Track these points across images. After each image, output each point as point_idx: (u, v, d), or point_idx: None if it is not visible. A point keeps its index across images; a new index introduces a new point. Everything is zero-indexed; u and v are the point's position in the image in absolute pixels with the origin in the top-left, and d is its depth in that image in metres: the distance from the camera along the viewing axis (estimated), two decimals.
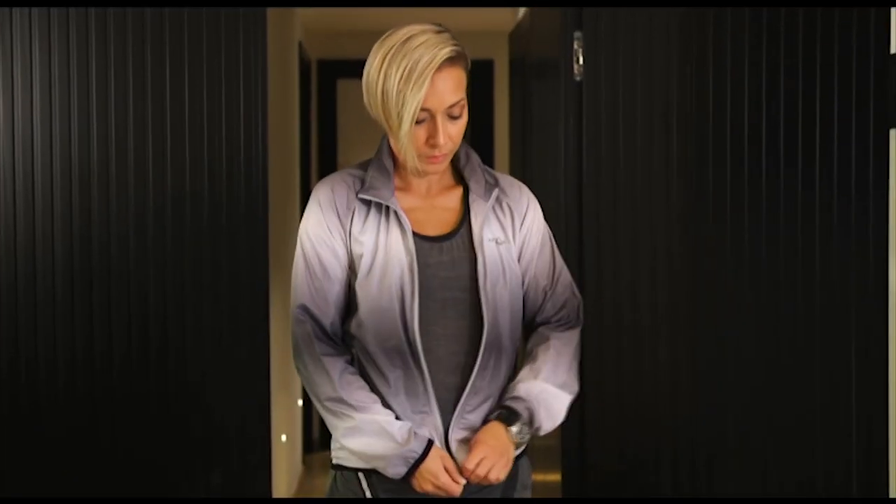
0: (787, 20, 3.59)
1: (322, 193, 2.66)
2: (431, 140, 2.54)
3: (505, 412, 2.57)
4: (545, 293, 2.73)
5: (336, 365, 2.58)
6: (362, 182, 2.66)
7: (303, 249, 2.66)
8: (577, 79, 3.90)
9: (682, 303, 3.81)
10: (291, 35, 6.40)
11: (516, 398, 2.58)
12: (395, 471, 2.49)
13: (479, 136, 7.75)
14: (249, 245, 3.81)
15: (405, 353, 2.56)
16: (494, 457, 2.49)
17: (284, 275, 5.84)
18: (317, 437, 7.78)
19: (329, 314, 2.63)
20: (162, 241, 3.77)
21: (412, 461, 2.48)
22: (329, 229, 2.64)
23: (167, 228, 3.77)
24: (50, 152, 3.74)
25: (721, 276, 3.72)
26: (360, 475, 2.61)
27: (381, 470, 2.52)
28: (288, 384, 6.09)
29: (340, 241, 2.63)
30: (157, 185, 3.77)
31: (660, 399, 3.85)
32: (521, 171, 5.80)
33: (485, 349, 2.57)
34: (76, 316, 3.75)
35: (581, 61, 3.89)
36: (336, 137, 7.93)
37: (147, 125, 3.77)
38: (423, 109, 2.51)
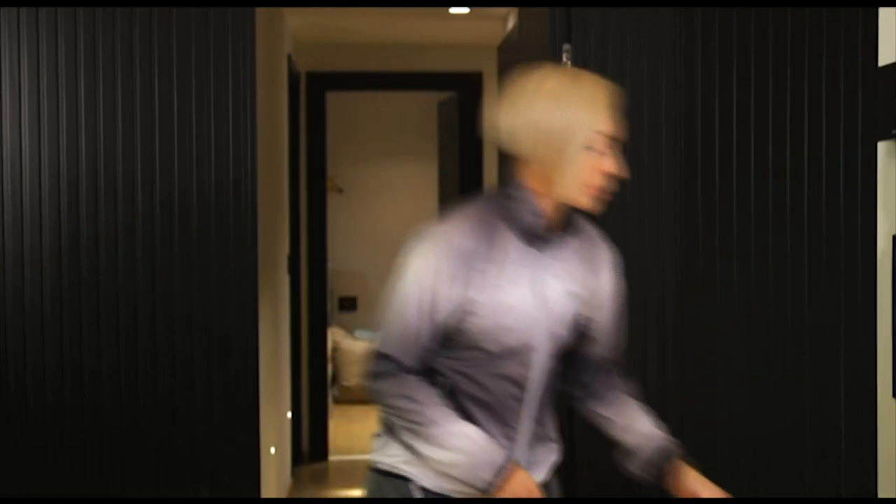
0: (775, 34, 3.60)
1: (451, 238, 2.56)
2: (606, 170, 2.52)
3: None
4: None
5: (421, 383, 2.57)
6: (503, 220, 2.56)
7: (419, 290, 2.56)
8: None
9: (671, 313, 3.81)
10: (281, 47, 6.40)
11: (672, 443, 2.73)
12: (482, 477, 2.48)
13: (468, 149, 7.77)
14: (238, 256, 3.81)
15: (515, 390, 2.59)
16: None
17: (273, 286, 5.85)
18: (306, 450, 7.77)
19: (420, 355, 2.59)
20: (151, 252, 3.76)
21: (501, 469, 2.48)
22: (451, 275, 2.53)
23: (156, 239, 3.77)
24: (38, 164, 3.74)
25: (710, 286, 3.73)
26: (411, 483, 2.63)
27: (460, 477, 2.50)
28: (277, 396, 6.09)
29: (460, 286, 2.52)
30: (146, 196, 3.76)
31: (648, 403, 3.85)
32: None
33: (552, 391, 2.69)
34: (64, 327, 3.74)
35: None
36: (325, 149, 7.93)
37: (136, 134, 3.76)
38: (605, 136, 2.50)
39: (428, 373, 2.59)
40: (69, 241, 3.74)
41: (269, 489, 5.49)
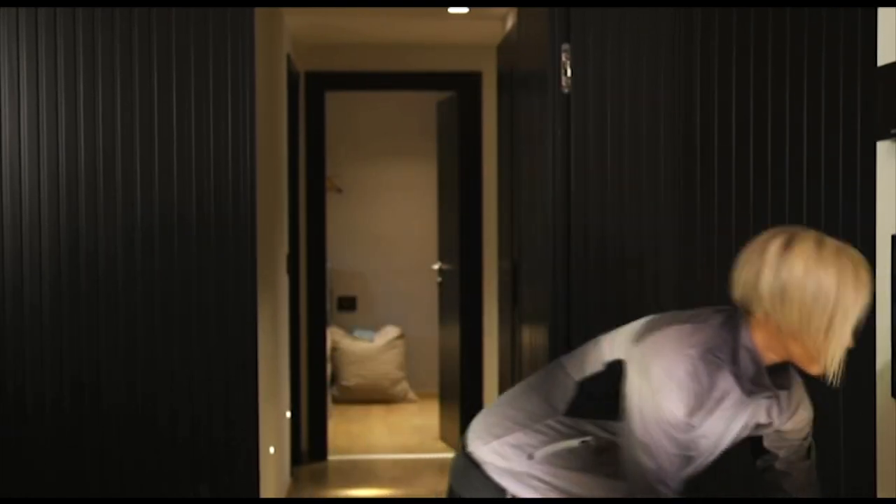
0: (774, 33, 3.60)
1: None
2: (849, 345, 2.55)
3: None
4: None
5: None
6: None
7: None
8: (565, 91, 3.91)
9: (671, 309, 3.81)
10: (280, 47, 6.40)
11: None
12: None
13: (467, 148, 7.77)
14: (237, 255, 3.81)
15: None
16: None
17: (272, 286, 5.85)
18: (305, 449, 7.77)
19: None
20: (150, 252, 3.76)
21: None
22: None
23: (155, 239, 3.77)
24: (37, 164, 3.74)
25: (709, 285, 3.73)
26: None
27: None
28: (276, 396, 6.09)
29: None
30: (145, 196, 3.76)
31: None
32: (509, 184, 5.80)
33: None
34: (63, 327, 3.74)
35: (569, 73, 3.90)
36: (324, 149, 7.93)
37: (135, 133, 3.76)
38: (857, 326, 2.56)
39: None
40: (68, 241, 3.74)
41: (269, 489, 5.49)
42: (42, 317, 3.74)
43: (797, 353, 2.53)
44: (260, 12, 4.43)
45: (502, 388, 6.38)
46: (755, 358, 2.56)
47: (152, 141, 3.76)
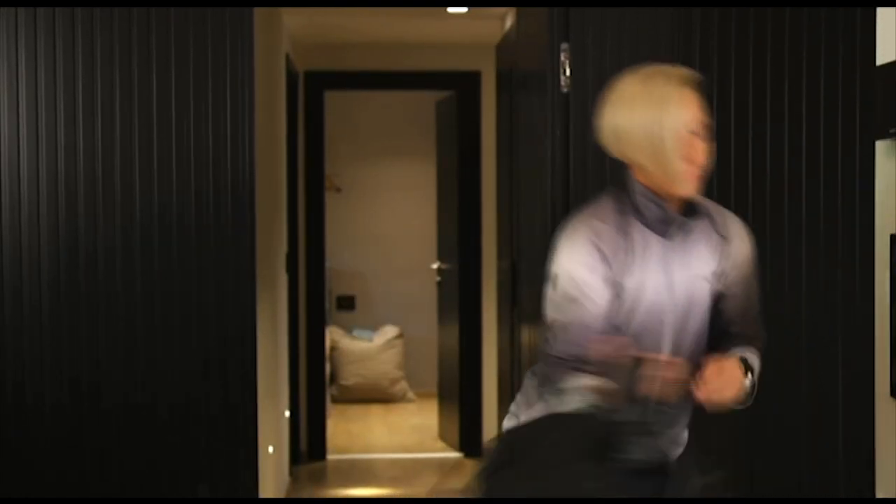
0: (773, 33, 3.60)
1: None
2: (697, 158, 2.66)
3: (744, 362, 2.70)
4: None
5: None
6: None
7: None
8: (564, 90, 3.91)
9: None
10: (279, 47, 6.40)
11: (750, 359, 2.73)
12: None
13: (466, 148, 7.76)
14: (236, 255, 3.81)
15: None
16: (728, 375, 2.63)
17: (271, 285, 5.84)
18: (304, 449, 7.77)
19: None
20: (149, 251, 3.76)
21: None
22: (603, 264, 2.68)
23: (154, 239, 3.77)
24: (36, 163, 3.74)
25: None
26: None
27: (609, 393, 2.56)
28: (275, 395, 6.08)
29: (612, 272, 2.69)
30: (144, 196, 3.76)
31: None
32: (509, 183, 5.80)
33: None
34: (62, 327, 3.74)
35: (568, 73, 3.90)
36: (323, 148, 7.93)
37: (134, 133, 3.76)
38: (693, 133, 2.65)
39: None
40: (67, 241, 3.74)
41: (268, 488, 5.49)
42: (41, 316, 3.74)
43: (665, 182, 2.66)
44: (259, 12, 4.43)
45: (501, 388, 6.38)
46: (652, 198, 2.68)
47: (151, 141, 3.76)
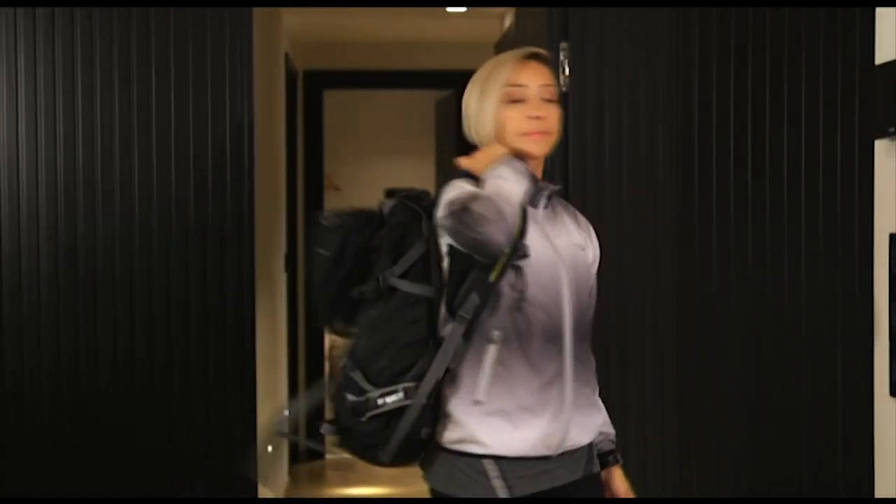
0: (772, 33, 3.60)
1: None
2: (529, 115, 2.65)
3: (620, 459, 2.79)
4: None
5: None
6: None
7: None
8: (563, 89, 3.91)
9: (668, 311, 3.81)
10: (278, 46, 6.40)
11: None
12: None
13: (465, 148, 7.76)
14: (235, 254, 3.81)
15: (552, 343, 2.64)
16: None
17: (270, 284, 5.84)
18: (303, 448, 7.77)
19: None
20: (148, 251, 3.77)
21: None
22: None
23: (153, 239, 3.77)
24: (35, 163, 3.74)
25: (707, 285, 3.73)
26: (487, 463, 2.55)
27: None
28: (274, 393, 6.09)
29: None
30: (143, 195, 3.76)
31: (646, 401, 3.86)
32: None
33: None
34: (61, 326, 3.74)
35: (567, 71, 3.90)
36: (322, 147, 7.93)
37: (133, 132, 3.76)
38: (517, 85, 2.66)
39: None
40: (66, 240, 3.75)
41: (266, 488, 5.49)
42: (40, 315, 3.74)
43: (514, 148, 2.65)
44: (258, 11, 4.43)
45: None
46: (516, 164, 2.62)
47: (150, 140, 3.76)
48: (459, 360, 2.53)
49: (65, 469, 3.76)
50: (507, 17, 6.40)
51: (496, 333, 2.54)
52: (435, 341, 2.54)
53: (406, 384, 2.51)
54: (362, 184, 10.43)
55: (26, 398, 3.74)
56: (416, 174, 10.20)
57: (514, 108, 2.65)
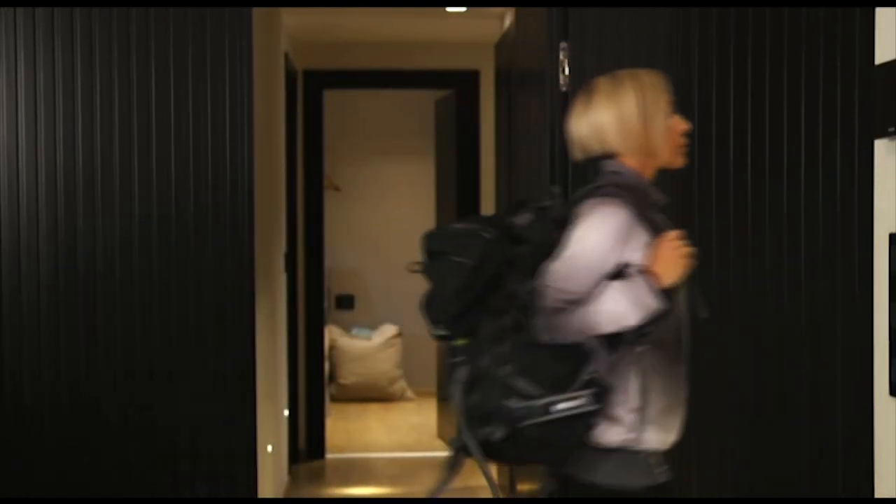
0: (772, 33, 3.60)
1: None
2: (681, 129, 2.84)
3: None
4: None
5: None
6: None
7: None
8: (563, 89, 3.91)
9: None
10: (278, 46, 6.40)
11: None
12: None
13: (465, 146, 7.77)
14: (235, 254, 3.81)
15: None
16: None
17: (270, 284, 5.84)
18: (303, 448, 7.77)
19: None
20: (147, 251, 3.77)
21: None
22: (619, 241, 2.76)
23: (152, 239, 3.77)
24: (35, 163, 3.74)
25: (707, 285, 3.73)
26: (650, 456, 2.78)
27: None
28: (274, 394, 6.09)
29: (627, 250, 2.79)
30: (143, 195, 3.76)
31: None
32: (507, 181, 5.81)
33: None
34: (61, 326, 3.74)
35: (567, 72, 3.90)
36: (322, 147, 7.93)
37: (133, 132, 3.77)
38: (669, 103, 2.83)
39: None
40: (66, 241, 3.75)
41: (266, 488, 5.49)
42: (40, 316, 3.74)
43: (655, 162, 2.83)
44: (258, 11, 4.43)
45: None
46: (644, 182, 2.83)
47: (150, 140, 3.76)
48: (618, 368, 2.72)
49: (65, 469, 3.76)
50: (507, 17, 6.40)
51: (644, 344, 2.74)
52: (586, 349, 2.69)
53: (582, 391, 2.64)
54: (362, 184, 10.43)
55: (26, 398, 3.74)
56: (416, 174, 10.21)
57: (673, 122, 2.81)
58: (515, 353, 2.67)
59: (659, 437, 2.80)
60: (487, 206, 7.57)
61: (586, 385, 2.64)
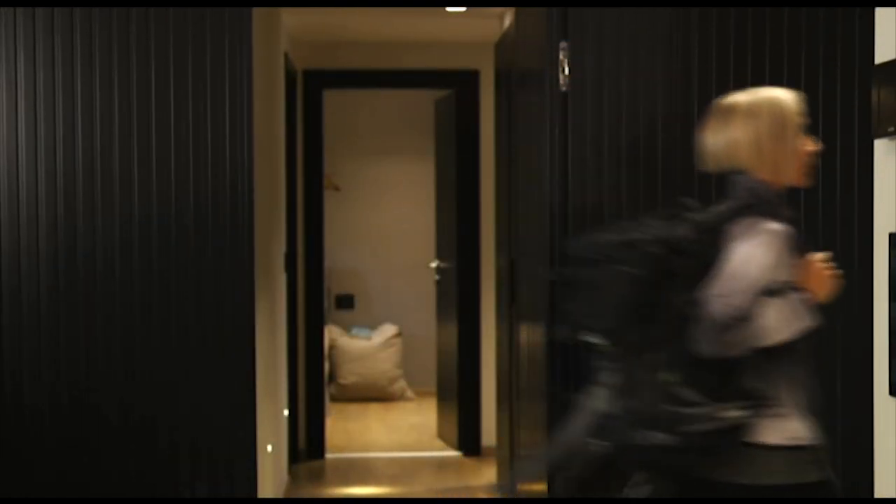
0: (772, 33, 3.60)
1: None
2: (810, 150, 2.89)
3: None
4: None
5: None
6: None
7: None
8: (563, 89, 3.91)
9: None
10: (277, 45, 6.39)
11: None
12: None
13: (465, 146, 7.76)
14: (235, 254, 3.81)
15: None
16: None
17: (270, 284, 5.84)
18: (303, 448, 7.77)
19: None
20: (147, 251, 3.77)
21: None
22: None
23: (152, 238, 3.77)
24: (35, 163, 3.74)
25: None
26: (812, 451, 2.84)
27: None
28: (274, 394, 6.08)
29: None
30: (143, 195, 3.76)
31: None
32: (507, 181, 5.80)
33: None
34: (61, 326, 3.74)
35: (567, 71, 3.90)
36: (322, 147, 7.93)
37: (132, 132, 3.77)
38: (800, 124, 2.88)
39: None
40: (66, 240, 3.75)
41: (266, 487, 5.49)
42: (40, 316, 3.74)
43: (783, 178, 2.87)
44: (257, 11, 4.43)
45: (500, 387, 6.38)
46: (781, 197, 2.87)
47: (150, 140, 3.76)
48: (770, 377, 2.78)
49: (64, 469, 3.76)
50: (507, 16, 6.40)
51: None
52: (743, 359, 2.76)
53: (743, 401, 2.73)
54: (362, 184, 10.43)
55: (26, 397, 3.74)
56: (415, 174, 10.20)
57: (802, 142, 2.87)
58: (675, 362, 2.73)
59: (809, 435, 2.86)
60: (487, 206, 7.57)
61: (745, 395, 2.73)
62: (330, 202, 9.24)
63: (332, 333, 9.76)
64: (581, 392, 2.87)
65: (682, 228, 2.80)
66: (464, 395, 7.84)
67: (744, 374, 2.75)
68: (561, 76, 3.90)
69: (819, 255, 2.87)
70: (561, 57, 3.91)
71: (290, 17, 6.90)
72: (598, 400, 2.77)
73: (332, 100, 9.09)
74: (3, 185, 3.71)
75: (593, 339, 2.82)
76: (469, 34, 7.50)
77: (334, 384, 9.81)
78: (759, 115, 2.85)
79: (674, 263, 2.76)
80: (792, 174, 2.89)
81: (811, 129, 3.55)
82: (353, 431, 8.72)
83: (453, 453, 7.86)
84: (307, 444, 7.80)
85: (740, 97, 2.89)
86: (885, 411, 3.36)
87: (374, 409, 9.60)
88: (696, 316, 2.74)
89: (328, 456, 7.83)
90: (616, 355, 2.77)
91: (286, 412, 7.05)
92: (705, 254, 2.78)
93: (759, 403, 2.76)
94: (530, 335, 4.83)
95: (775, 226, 2.79)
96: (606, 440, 2.75)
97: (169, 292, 3.78)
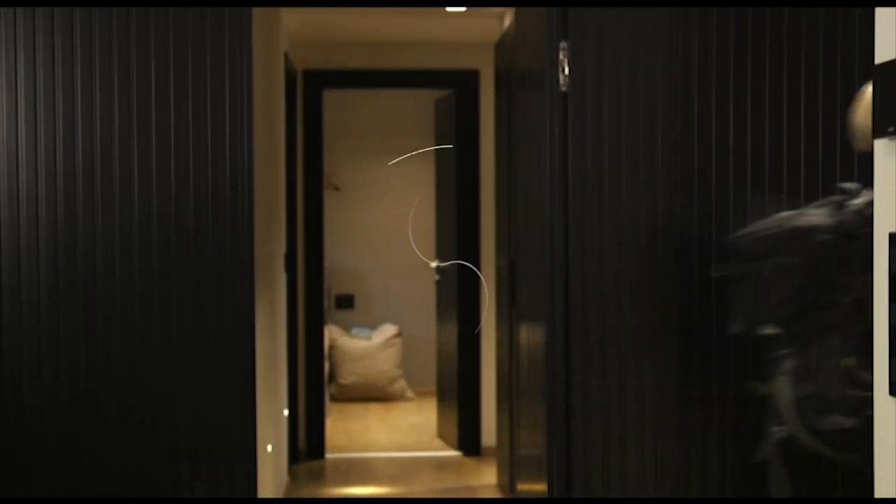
0: (772, 33, 3.60)
1: None
2: None
3: None
4: None
5: None
6: None
7: None
8: (563, 89, 3.91)
9: (671, 308, 3.81)
10: (277, 45, 6.40)
11: None
12: None
13: (464, 147, 7.77)
14: (235, 254, 3.81)
15: None
16: None
17: (270, 284, 5.85)
18: (303, 448, 7.77)
19: None
20: (147, 250, 3.77)
21: None
22: None
23: (152, 238, 3.77)
24: (35, 163, 3.74)
25: (707, 285, 3.73)
26: None
27: None
28: (274, 394, 6.09)
29: None
30: (143, 195, 3.76)
31: (647, 400, 3.85)
32: (507, 182, 5.81)
33: None
34: (61, 326, 3.74)
35: (567, 71, 3.90)
36: (322, 147, 7.94)
37: (132, 132, 3.77)
38: None
39: None
40: (65, 240, 3.75)
41: (266, 487, 5.49)
42: (39, 316, 3.74)
43: None
44: (257, 11, 4.43)
45: (500, 387, 6.38)
46: None
47: (150, 140, 3.76)
48: None
49: (64, 469, 3.76)
50: (507, 16, 6.40)
51: None
52: None
53: None
54: (362, 184, 10.43)
55: (26, 397, 3.74)
56: (415, 174, 10.21)
57: None
58: (854, 346, 2.66)
59: None
60: (487, 206, 7.57)
61: None
62: (330, 202, 9.25)
63: (332, 333, 9.76)
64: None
65: (846, 214, 2.72)
66: (464, 394, 7.84)
67: None
68: (561, 76, 3.91)
69: None
70: (561, 57, 3.91)
71: (290, 17, 6.91)
72: (781, 387, 2.73)
73: (332, 100, 9.09)
74: (3, 185, 3.72)
75: (771, 330, 2.78)
76: (469, 34, 7.50)
77: (334, 384, 9.81)
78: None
79: (846, 248, 2.69)
80: None
81: (811, 130, 3.55)
82: (353, 431, 8.72)
83: (453, 453, 7.87)
84: (307, 444, 7.81)
85: None
86: (885, 411, 3.36)
87: (374, 409, 9.61)
88: (870, 299, 2.66)
89: (328, 456, 7.84)
90: (796, 343, 2.71)
91: (286, 412, 7.05)
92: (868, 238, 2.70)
93: None
94: (530, 335, 4.83)
95: None
96: (793, 426, 2.69)
97: (169, 292, 3.78)
